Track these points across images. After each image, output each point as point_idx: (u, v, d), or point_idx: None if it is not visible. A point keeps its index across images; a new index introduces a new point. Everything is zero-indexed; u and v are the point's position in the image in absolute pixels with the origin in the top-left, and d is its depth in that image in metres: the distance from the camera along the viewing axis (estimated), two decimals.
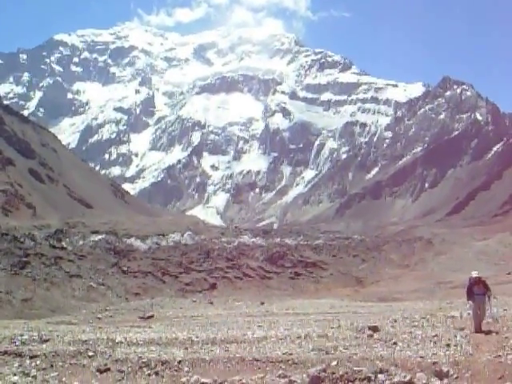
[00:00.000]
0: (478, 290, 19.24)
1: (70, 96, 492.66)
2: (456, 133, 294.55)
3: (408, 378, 11.99)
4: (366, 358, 14.70)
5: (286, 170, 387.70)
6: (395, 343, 17.47)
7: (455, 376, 12.51)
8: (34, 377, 14.22)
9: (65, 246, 63.77)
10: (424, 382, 11.90)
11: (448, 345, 16.66)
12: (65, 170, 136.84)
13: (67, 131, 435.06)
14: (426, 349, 16.15)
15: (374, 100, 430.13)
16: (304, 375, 12.86)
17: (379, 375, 12.35)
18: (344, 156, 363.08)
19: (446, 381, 12.09)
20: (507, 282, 53.52)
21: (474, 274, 19.75)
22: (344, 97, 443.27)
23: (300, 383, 12.46)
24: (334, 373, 12.74)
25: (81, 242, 67.21)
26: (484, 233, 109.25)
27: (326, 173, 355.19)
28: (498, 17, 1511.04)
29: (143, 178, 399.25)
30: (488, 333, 18.00)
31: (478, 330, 18.54)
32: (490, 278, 54.45)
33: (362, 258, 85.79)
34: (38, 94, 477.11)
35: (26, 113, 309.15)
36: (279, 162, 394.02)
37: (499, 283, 50.84)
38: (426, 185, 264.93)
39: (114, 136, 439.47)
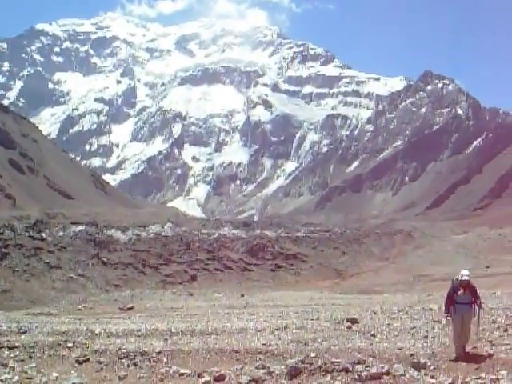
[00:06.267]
0: (461, 298, 14.10)
1: (50, 86, 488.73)
2: (437, 127, 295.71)
3: (385, 368, 12.09)
4: (344, 350, 14.84)
5: (267, 162, 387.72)
6: (373, 335, 17.64)
7: (432, 367, 12.66)
8: (12, 368, 14.19)
9: (45, 237, 63.36)
10: (401, 373, 12.01)
11: (426, 337, 16.86)
12: (45, 160, 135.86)
13: (48, 121, 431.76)
14: (404, 340, 16.32)
15: (356, 93, 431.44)
16: (282, 366, 12.95)
17: (357, 366, 12.45)
18: (325, 149, 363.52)
19: (423, 372, 12.21)
20: (485, 276, 53.92)
21: (464, 274, 14.51)
22: (326, 90, 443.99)
23: (278, 374, 12.53)
24: (312, 364, 12.83)
25: (61, 233, 66.82)
26: (463, 226, 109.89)
27: (306, 165, 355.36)
28: (480, 12, 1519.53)
29: (124, 169, 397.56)
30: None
31: (461, 353, 13.82)
32: (469, 271, 54.81)
33: (343, 250, 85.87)
34: (19, 84, 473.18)
35: (6, 102, 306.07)
36: (260, 154, 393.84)
37: (477, 277, 51.22)
38: (407, 178, 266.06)
39: (94, 127, 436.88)
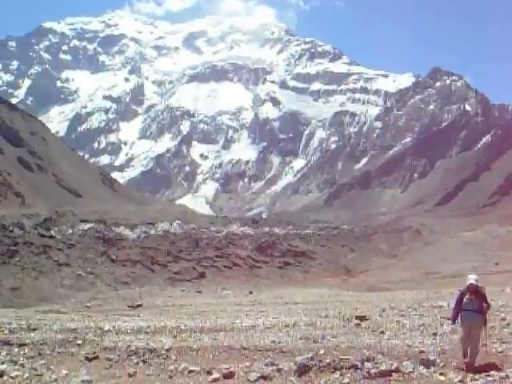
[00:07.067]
0: (468, 304, 12.83)
1: (59, 84, 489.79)
2: (445, 124, 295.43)
3: (394, 366, 12.06)
4: (353, 347, 14.80)
5: (276, 159, 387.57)
6: (382, 332, 17.61)
7: (441, 365, 12.61)
8: (22, 365, 14.21)
9: (53, 234, 63.51)
10: (410, 370, 11.98)
11: (435, 334, 16.81)
12: (54, 158, 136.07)
13: (56, 119, 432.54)
14: (413, 338, 16.28)
15: (364, 90, 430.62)
16: (291, 363, 12.92)
17: (366, 363, 12.43)
18: (333, 146, 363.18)
19: (432, 369, 12.17)
20: (494, 273, 53.86)
21: (472, 278, 13.18)
22: (334, 86, 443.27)
23: (287, 371, 12.51)
24: (321, 361, 12.81)
25: (70, 231, 66.99)
26: (472, 223, 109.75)
27: (315, 162, 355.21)
28: (489, 8, 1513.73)
29: (132, 166, 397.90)
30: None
31: (469, 364, 12.46)
32: (478, 269, 54.84)
33: (351, 247, 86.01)
34: (27, 82, 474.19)
35: (14, 101, 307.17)
36: (268, 152, 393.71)
37: (487, 274, 51.17)
38: (415, 175, 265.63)
39: (103, 124, 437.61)
